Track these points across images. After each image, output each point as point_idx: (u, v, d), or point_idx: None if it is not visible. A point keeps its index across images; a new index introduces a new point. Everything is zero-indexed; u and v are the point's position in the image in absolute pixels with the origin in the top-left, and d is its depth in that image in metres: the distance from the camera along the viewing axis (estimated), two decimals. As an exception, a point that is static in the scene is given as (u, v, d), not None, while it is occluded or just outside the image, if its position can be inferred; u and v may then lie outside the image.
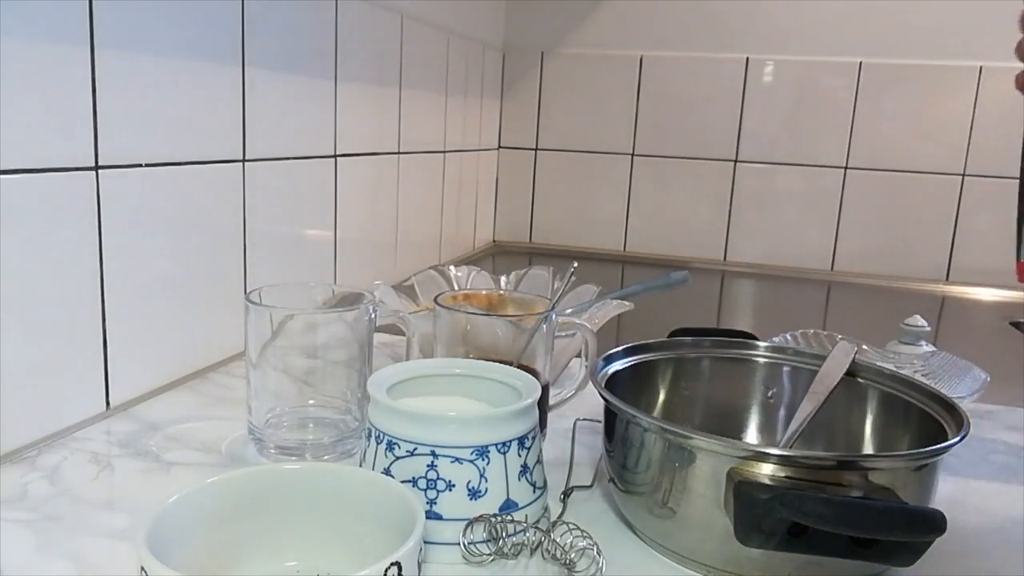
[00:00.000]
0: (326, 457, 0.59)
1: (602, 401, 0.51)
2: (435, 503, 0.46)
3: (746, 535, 0.41)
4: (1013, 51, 0.57)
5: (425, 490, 0.46)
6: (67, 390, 0.61)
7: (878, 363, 0.59)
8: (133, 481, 0.55)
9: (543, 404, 0.62)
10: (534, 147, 1.67)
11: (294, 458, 0.58)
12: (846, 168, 1.52)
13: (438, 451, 0.46)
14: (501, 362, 0.57)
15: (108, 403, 0.65)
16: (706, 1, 1.54)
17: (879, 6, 1.46)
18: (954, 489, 0.59)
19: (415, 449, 0.46)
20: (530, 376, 0.53)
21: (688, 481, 0.45)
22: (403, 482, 0.45)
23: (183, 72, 0.70)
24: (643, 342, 0.60)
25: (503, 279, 0.88)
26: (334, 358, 0.60)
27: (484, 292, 0.71)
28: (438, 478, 0.46)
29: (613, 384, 0.54)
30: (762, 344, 0.63)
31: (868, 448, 0.56)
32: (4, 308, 0.55)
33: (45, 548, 0.46)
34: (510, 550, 0.46)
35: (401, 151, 1.19)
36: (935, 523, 0.39)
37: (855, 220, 1.53)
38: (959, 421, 0.48)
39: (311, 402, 0.61)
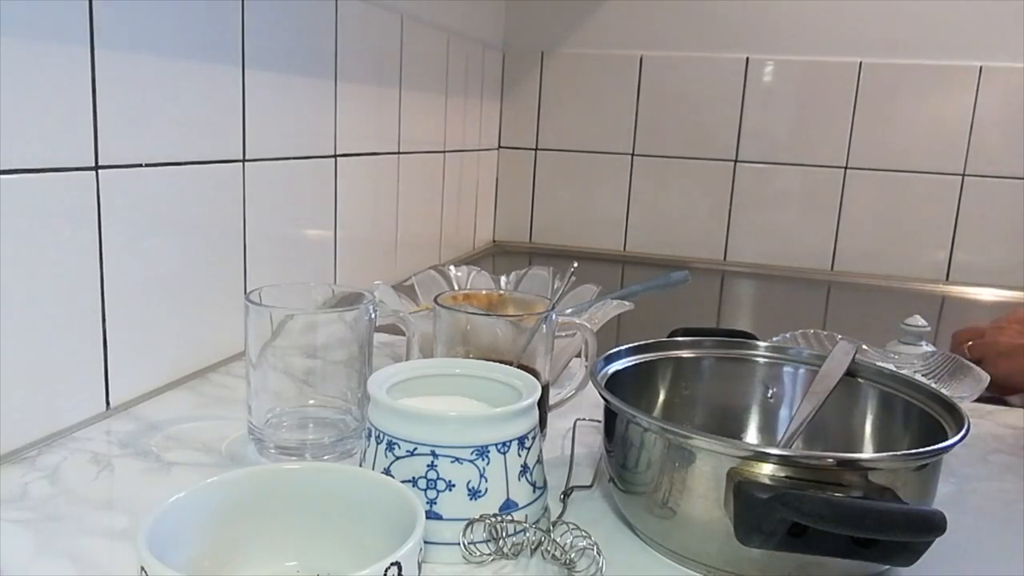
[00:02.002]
0: (326, 457, 0.59)
1: (602, 401, 0.51)
2: (435, 503, 0.46)
3: (746, 535, 0.41)
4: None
5: (425, 490, 0.46)
6: (67, 390, 0.61)
7: (878, 363, 0.60)
8: (133, 481, 0.55)
9: (543, 404, 0.62)
10: (534, 147, 1.67)
11: (294, 458, 0.58)
12: (846, 168, 1.52)
13: (438, 451, 0.46)
14: (501, 362, 0.57)
15: (108, 403, 0.65)
16: (706, 1, 1.54)
17: (879, 6, 1.46)
18: (954, 489, 0.59)
19: (415, 449, 0.46)
20: (530, 376, 0.53)
21: (688, 481, 0.45)
22: (403, 482, 0.45)
23: (183, 72, 0.70)
24: (643, 342, 0.60)
25: (503, 279, 0.88)
26: (334, 358, 0.60)
27: (484, 292, 0.71)
28: (438, 478, 0.46)
29: (613, 384, 0.54)
30: (762, 344, 0.63)
31: (868, 448, 0.56)
32: (4, 308, 0.55)
33: (45, 548, 0.46)
34: (510, 550, 0.46)
35: (401, 151, 1.19)
36: (935, 523, 0.39)
37: (855, 220, 1.53)
38: (959, 421, 0.48)
39: (311, 402, 0.61)
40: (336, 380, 0.61)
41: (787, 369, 0.61)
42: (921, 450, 0.45)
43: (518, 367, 0.56)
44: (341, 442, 0.60)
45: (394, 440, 0.47)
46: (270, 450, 0.59)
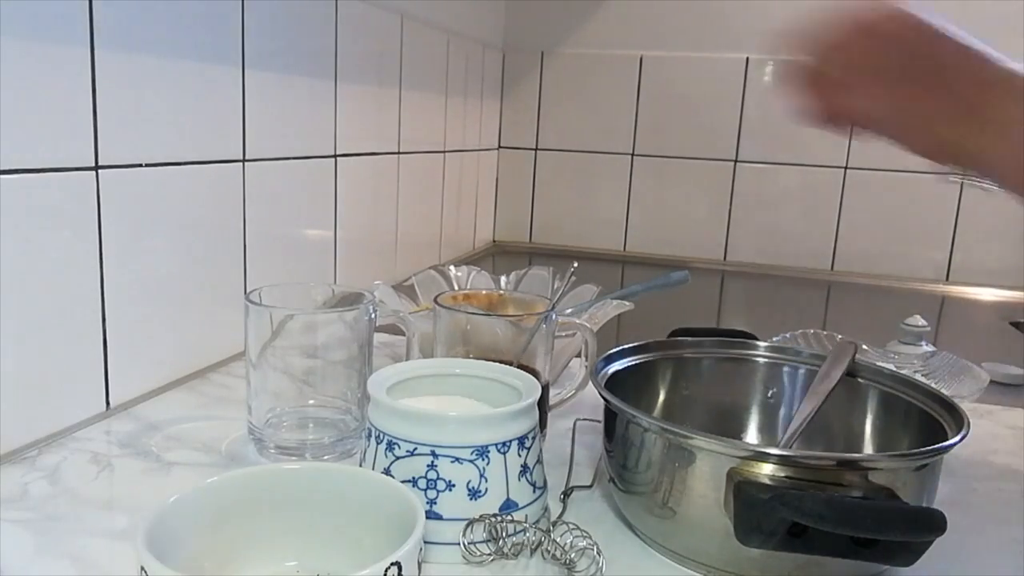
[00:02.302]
0: (326, 457, 0.59)
1: (602, 401, 0.51)
2: (435, 503, 0.46)
3: (746, 535, 0.41)
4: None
5: (425, 490, 0.46)
6: (67, 390, 0.61)
7: (878, 363, 0.59)
8: (133, 481, 0.55)
9: (543, 404, 0.62)
10: (534, 147, 1.67)
11: (294, 458, 0.58)
12: (846, 168, 1.52)
13: (438, 451, 0.46)
14: (501, 362, 0.57)
15: (108, 403, 0.65)
16: (706, 1, 1.54)
17: (879, 6, 1.46)
18: (954, 489, 0.59)
19: (415, 449, 0.46)
20: (530, 376, 0.53)
21: (688, 481, 0.45)
22: (403, 482, 0.45)
23: (183, 72, 0.70)
24: (643, 342, 0.60)
25: (503, 279, 0.88)
26: (334, 358, 0.60)
27: (484, 292, 0.71)
28: (438, 478, 0.46)
29: (613, 384, 0.54)
30: (762, 344, 0.63)
31: (868, 448, 0.56)
32: (4, 308, 0.55)
33: (45, 548, 0.46)
34: (510, 550, 0.46)
35: (401, 151, 1.19)
36: (935, 523, 0.39)
37: (855, 220, 1.53)
38: (959, 421, 0.48)
39: (311, 402, 0.61)
40: (336, 380, 0.61)
41: (787, 369, 0.61)
42: (921, 450, 0.45)
43: (518, 367, 0.56)
44: (341, 442, 0.60)
45: (394, 440, 0.47)
46: (270, 450, 0.59)
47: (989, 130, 0.45)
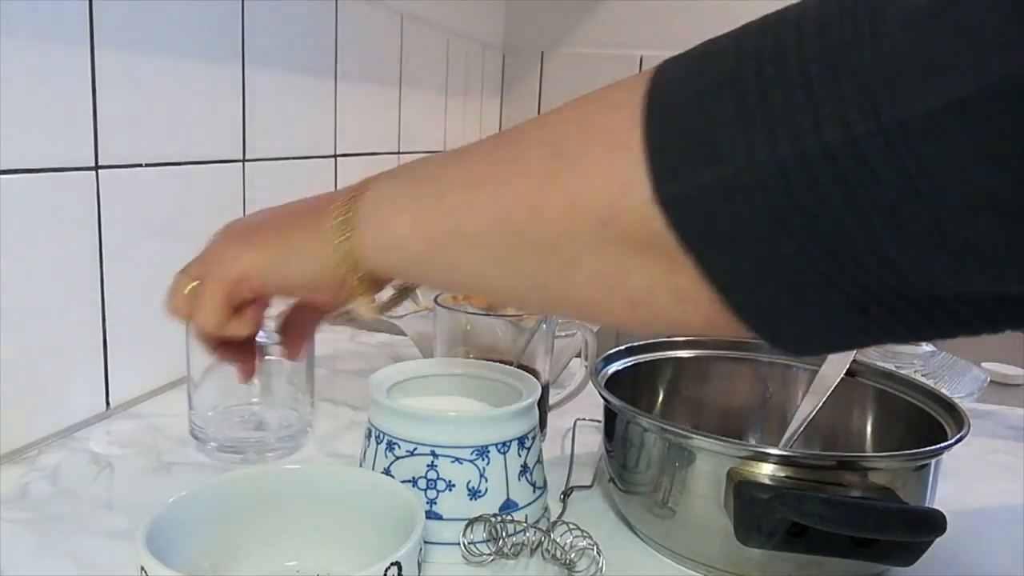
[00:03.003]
0: (270, 455, 0.59)
1: (602, 401, 0.51)
2: (435, 503, 0.46)
3: (746, 535, 0.41)
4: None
5: (425, 490, 0.46)
6: (67, 390, 0.61)
7: (878, 363, 0.59)
8: (133, 481, 0.55)
9: (543, 404, 0.62)
10: (534, 147, 1.67)
11: (238, 456, 0.58)
12: (846, 168, 1.52)
13: (438, 451, 0.46)
14: (501, 362, 0.57)
15: (108, 403, 0.65)
16: (706, 1, 1.54)
17: (879, 6, 1.46)
18: (954, 489, 0.59)
19: (415, 449, 0.46)
20: (530, 376, 0.53)
21: (688, 481, 0.45)
22: (403, 482, 0.45)
23: (183, 72, 0.70)
24: (643, 342, 0.60)
25: (503, 279, 0.88)
26: (280, 355, 0.59)
27: (484, 292, 0.71)
28: (438, 478, 0.46)
29: (613, 384, 0.54)
30: (762, 344, 0.62)
31: (868, 448, 0.56)
32: (4, 308, 0.55)
33: (45, 548, 0.46)
34: (510, 550, 0.46)
35: (401, 151, 1.19)
36: (935, 523, 0.39)
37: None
38: (959, 421, 0.48)
39: (254, 400, 0.61)
40: (280, 377, 0.61)
41: (787, 369, 0.61)
42: (921, 450, 0.45)
43: (518, 367, 0.56)
44: (282, 441, 0.60)
45: (394, 440, 0.47)
46: (211, 448, 0.58)
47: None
